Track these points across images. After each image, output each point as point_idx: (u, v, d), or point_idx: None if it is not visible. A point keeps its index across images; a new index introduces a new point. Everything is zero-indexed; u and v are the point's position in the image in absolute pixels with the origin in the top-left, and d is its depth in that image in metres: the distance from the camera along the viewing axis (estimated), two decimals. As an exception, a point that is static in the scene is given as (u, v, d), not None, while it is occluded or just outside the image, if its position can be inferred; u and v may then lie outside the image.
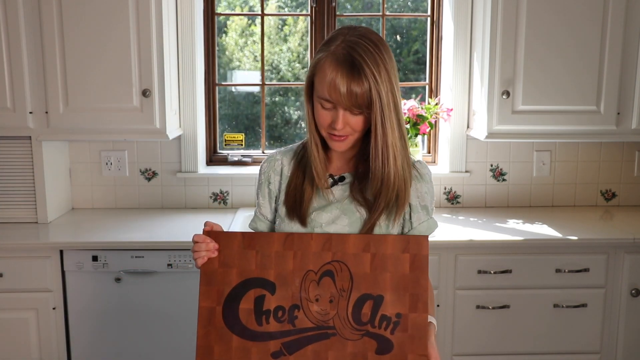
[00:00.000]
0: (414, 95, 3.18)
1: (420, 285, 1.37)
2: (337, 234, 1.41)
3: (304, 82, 1.49)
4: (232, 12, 3.20)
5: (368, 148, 1.41)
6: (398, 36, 3.27)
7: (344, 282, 1.38)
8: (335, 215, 1.46)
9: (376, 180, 1.40)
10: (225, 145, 3.08)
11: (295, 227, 1.48)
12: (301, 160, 1.52)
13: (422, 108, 2.95)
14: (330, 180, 1.49)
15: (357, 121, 1.38)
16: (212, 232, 1.44)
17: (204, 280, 1.42)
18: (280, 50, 3.25)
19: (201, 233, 1.45)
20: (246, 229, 2.56)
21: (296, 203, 1.48)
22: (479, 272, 2.54)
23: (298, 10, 3.24)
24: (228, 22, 3.24)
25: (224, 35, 3.22)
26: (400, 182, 1.42)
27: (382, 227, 1.45)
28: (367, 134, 1.43)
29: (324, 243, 1.39)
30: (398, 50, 3.25)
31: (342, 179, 1.49)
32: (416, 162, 1.53)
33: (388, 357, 1.35)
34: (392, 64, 1.39)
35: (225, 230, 1.49)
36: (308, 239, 1.40)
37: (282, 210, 1.52)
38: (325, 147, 1.48)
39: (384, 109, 1.34)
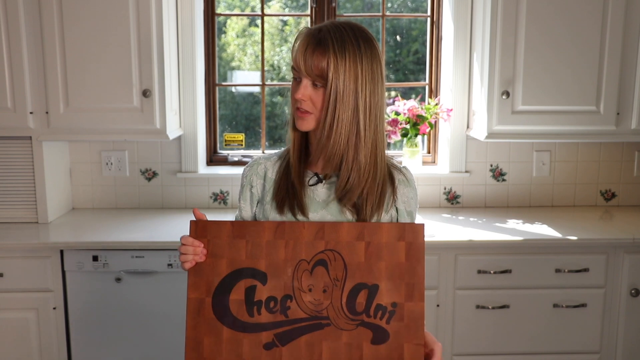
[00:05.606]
0: (414, 95, 3.18)
1: (417, 274, 1.34)
2: (330, 222, 1.39)
3: None
4: (233, 13, 3.20)
5: (332, 155, 1.41)
6: (398, 36, 3.27)
7: (337, 272, 1.36)
8: (322, 215, 1.45)
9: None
10: (226, 145, 3.08)
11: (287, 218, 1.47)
12: (288, 163, 1.51)
13: (422, 108, 2.95)
14: (315, 178, 1.49)
15: (318, 96, 1.38)
16: (200, 222, 1.41)
17: (193, 271, 1.40)
18: (281, 50, 3.25)
19: (194, 219, 1.43)
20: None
21: (288, 195, 1.47)
22: (479, 272, 2.54)
23: (298, 10, 3.24)
24: (228, 22, 3.24)
25: (223, 35, 3.23)
26: (362, 172, 1.41)
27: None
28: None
29: (316, 232, 1.37)
30: (398, 50, 3.26)
31: (327, 176, 1.48)
32: (402, 167, 1.53)
33: (384, 347, 1.34)
34: (368, 59, 1.38)
35: None
36: (300, 228, 1.37)
37: (272, 205, 1.50)
38: (307, 149, 1.50)
39: (338, 92, 1.35)
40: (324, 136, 1.40)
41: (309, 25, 3.03)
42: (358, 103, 1.38)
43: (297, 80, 1.41)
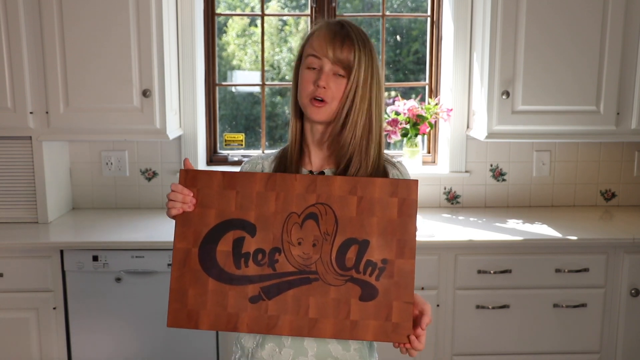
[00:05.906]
0: (414, 95, 3.18)
1: (408, 230, 1.32)
2: (322, 175, 1.36)
3: None
4: (232, 13, 3.20)
5: (345, 146, 1.42)
6: (398, 36, 3.27)
7: (328, 226, 1.33)
8: None
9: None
10: (226, 145, 3.08)
11: None
12: (281, 160, 1.52)
13: (422, 108, 2.95)
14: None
15: (338, 85, 1.40)
16: (190, 171, 1.37)
17: (180, 221, 1.37)
18: (281, 50, 3.25)
19: (186, 168, 1.40)
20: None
21: None
22: (479, 272, 2.54)
23: (298, 10, 3.24)
24: (228, 22, 3.24)
25: (223, 35, 3.23)
26: (369, 166, 1.43)
27: None
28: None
29: (308, 185, 1.34)
30: (398, 50, 3.26)
31: (321, 174, 1.48)
32: (397, 162, 1.54)
33: (372, 304, 1.31)
34: (376, 59, 1.46)
35: None
36: (292, 180, 1.35)
37: None
38: (302, 146, 1.50)
39: (359, 83, 1.40)
40: (339, 125, 1.41)
41: (309, 25, 3.05)
42: (372, 97, 1.42)
43: (313, 70, 1.42)
